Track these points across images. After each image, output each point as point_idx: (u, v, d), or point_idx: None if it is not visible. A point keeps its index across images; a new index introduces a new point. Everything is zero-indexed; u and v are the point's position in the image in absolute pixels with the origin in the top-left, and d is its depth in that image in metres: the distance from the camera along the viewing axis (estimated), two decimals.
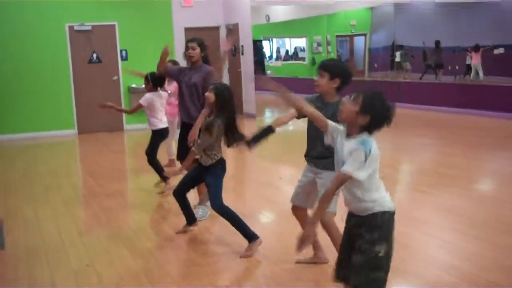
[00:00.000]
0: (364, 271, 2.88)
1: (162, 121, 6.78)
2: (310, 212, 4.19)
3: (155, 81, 6.62)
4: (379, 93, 2.91)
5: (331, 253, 4.04)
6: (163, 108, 6.82)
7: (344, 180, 2.84)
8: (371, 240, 2.88)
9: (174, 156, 7.89)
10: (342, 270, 3.05)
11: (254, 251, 4.52)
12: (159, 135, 6.82)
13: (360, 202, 2.91)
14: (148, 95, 6.64)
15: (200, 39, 5.71)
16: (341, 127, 2.97)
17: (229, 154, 4.87)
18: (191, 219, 5.15)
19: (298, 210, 4.18)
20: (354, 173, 2.77)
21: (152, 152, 6.78)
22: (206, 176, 4.71)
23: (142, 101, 6.63)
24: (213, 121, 4.58)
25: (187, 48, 5.60)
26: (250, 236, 4.58)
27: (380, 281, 2.89)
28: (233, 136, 4.64)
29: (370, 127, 2.85)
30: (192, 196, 5.62)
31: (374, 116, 2.83)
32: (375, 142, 2.84)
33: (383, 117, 2.86)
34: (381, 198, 2.90)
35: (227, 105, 4.60)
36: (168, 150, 8.02)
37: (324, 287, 3.90)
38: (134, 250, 4.78)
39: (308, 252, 4.24)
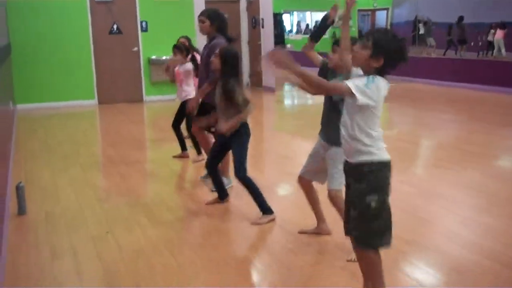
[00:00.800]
0: (360, 224, 2.90)
1: (194, 90, 6.82)
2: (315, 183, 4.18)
3: (188, 50, 6.86)
4: (388, 31, 2.88)
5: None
6: None
7: (341, 90, 2.81)
8: (359, 190, 2.87)
9: None
10: (347, 225, 3.07)
11: (265, 222, 4.54)
12: None
13: (352, 140, 2.88)
14: (187, 64, 6.78)
15: (210, 10, 5.51)
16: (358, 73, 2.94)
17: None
18: (222, 194, 5.08)
19: (304, 180, 4.16)
20: (353, 88, 2.73)
21: (179, 123, 6.81)
22: (231, 144, 4.68)
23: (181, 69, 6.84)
24: (229, 85, 4.51)
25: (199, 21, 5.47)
26: (266, 209, 4.61)
27: (378, 232, 2.89)
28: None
29: (385, 68, 2.81)
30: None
31: (387, 56, 2.79)
32: (384, 81, 2.80)
33: (396, 56, 2.81)
34: (372, 145, 2.86)
35: (234, 69, 4.56)
36: None
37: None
38: (153, 218, 4.79)
39: (312, 223, 4.29)
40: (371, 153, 2.85)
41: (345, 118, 2.91)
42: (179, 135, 6.88)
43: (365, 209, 2.86)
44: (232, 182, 5.48)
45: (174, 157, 6.94)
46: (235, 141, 4.66)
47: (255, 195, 4.64)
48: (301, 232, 4.29)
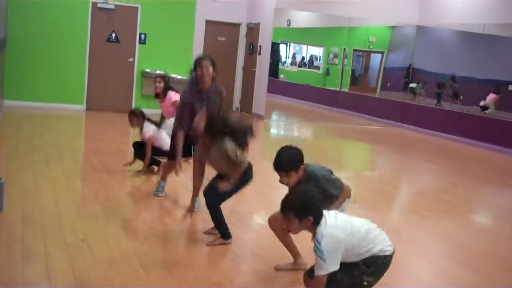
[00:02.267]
0: None
1: (166, 145, 6.62)
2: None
3: (143, 115, 6.91)
4: (294, 193, 3.14)
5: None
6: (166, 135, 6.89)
7: (325, 280, 2.97)
8: (362, 271, 3.05)
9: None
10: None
11: (218, 244, 4.64)
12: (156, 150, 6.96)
13: (360, 256, 3.07)
14: (149, 130, 6.86)
15: (213, 59, 5.43)
16: None
17: None
18: (226, 233, 4.75)
19: (273, 222, 4.21)
20: (325, 272, 2.94)
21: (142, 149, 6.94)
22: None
23: (147, 136, 6.83)
24: (222, 146, 4.50)
25: (200, 66, 5.28)
26: (225, 235, 4.69)
27: None
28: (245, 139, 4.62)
29: (317, 216, 2.99)
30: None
31: (313, 212, 2.98)
32: (329, 231, 2.96)
33: (312, 203, 3.01)
34: (379, 248, 3.06)
35: (227, 130, 4.52)
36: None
37: None
38: (129, 230, 4.77)
39: (288, 259, 4.30)
40: (383, 250, 3.07)
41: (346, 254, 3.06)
42: (138, 154, 6.98)
43: (357, 284, 3.05)
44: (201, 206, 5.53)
45: (139, 172, 6.96)
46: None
47: (218, 222, 4.68)
48: (278, 269, 4.23)
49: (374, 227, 3.15)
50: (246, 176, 4.68)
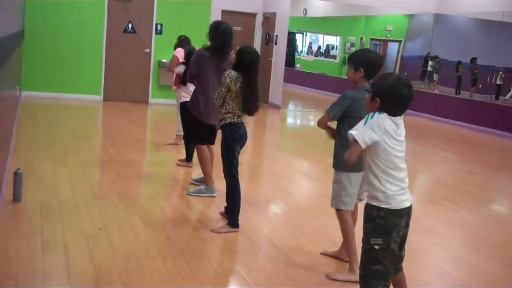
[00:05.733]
0: (363, 263, 2.94)
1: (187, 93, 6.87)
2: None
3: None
4: (385, 74, 2.93)
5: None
6: None
7: (353, 146, 2.86)
8: (367, 231, 2.92)
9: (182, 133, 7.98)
10: None
11: (224, 232, 4.66)
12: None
13: (367, 185, 2.95)
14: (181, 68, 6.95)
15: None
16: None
17: (249, 142, 4.92)
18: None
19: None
20: (353, 132, 2.83)
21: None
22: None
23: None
24: (224, 76, 4.65)
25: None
26: (233, 222, 4.72)
27: (378, 275, 2.90)
28: (247, 100, 4.69)
29: (385, 107, 2.86)
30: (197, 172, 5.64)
31: (383, 97, 2.85)
32: (385, 119, 2.85)
33: (391, 96, 2.84)
34: (383, 192, 2.88)
35: (247, 68, 4.68)
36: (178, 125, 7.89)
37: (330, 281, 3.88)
38: (147, 221, 4.79)
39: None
40: (381, 200, 2.88)
41: (366, 167, 2.97)
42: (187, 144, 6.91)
43: (369, 250, 2.90)
44: (215, 192, 5.66)
45: (178, 164, 6.95)
46: (222, 145, 4.74)
47: (231, 200, 4.73)
48: (323, 254, 4.34)
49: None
50: (229, 132, 4.68)
